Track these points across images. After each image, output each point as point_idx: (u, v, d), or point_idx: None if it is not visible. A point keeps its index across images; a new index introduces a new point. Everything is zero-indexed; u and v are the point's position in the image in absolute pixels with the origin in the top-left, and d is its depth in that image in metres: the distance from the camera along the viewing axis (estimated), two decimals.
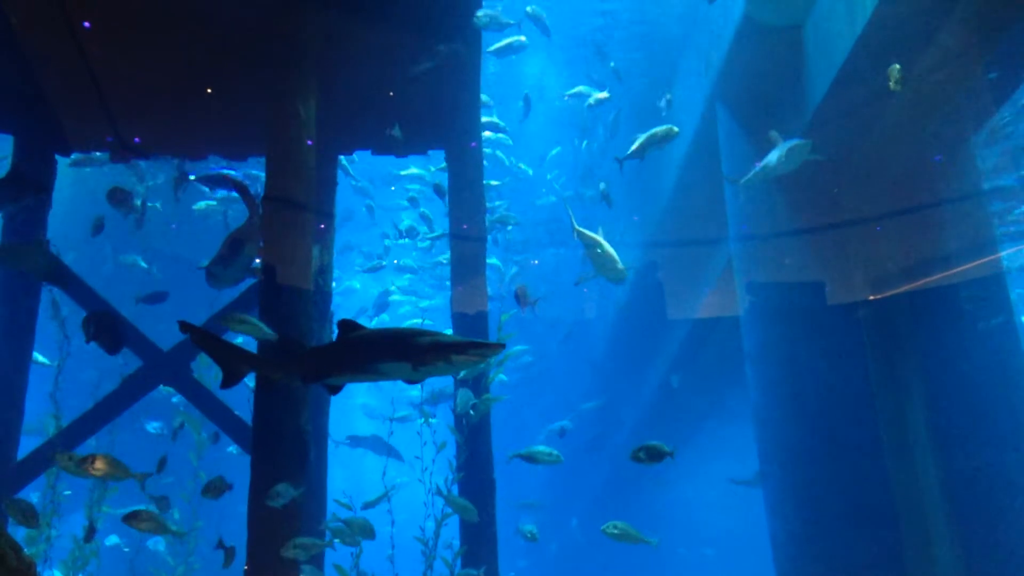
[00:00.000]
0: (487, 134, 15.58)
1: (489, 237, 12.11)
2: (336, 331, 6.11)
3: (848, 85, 10.47)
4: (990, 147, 13.37)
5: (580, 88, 15.90)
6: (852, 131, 11.18)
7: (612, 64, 16.66)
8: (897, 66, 8.87)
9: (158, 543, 16.20)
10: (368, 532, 9.11)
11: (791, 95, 11.55)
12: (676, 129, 10.70)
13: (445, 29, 10.17)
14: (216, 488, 8.89)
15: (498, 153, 17.58)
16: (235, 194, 11.21)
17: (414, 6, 9.91)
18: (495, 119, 16.32)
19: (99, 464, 7.94)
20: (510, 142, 17.25)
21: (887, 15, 9.16)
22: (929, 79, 10.25)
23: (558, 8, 15.37)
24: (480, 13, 10.35)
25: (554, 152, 19.88)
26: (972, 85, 10.71)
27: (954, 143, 11.79)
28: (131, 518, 8.65)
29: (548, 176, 20.44)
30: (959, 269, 11.48)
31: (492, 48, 14.19)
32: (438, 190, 12.30)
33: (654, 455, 8.65)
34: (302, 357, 6.33)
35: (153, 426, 16.76)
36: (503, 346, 5.49)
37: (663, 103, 13.75)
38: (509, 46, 14.52)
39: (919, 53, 9.89)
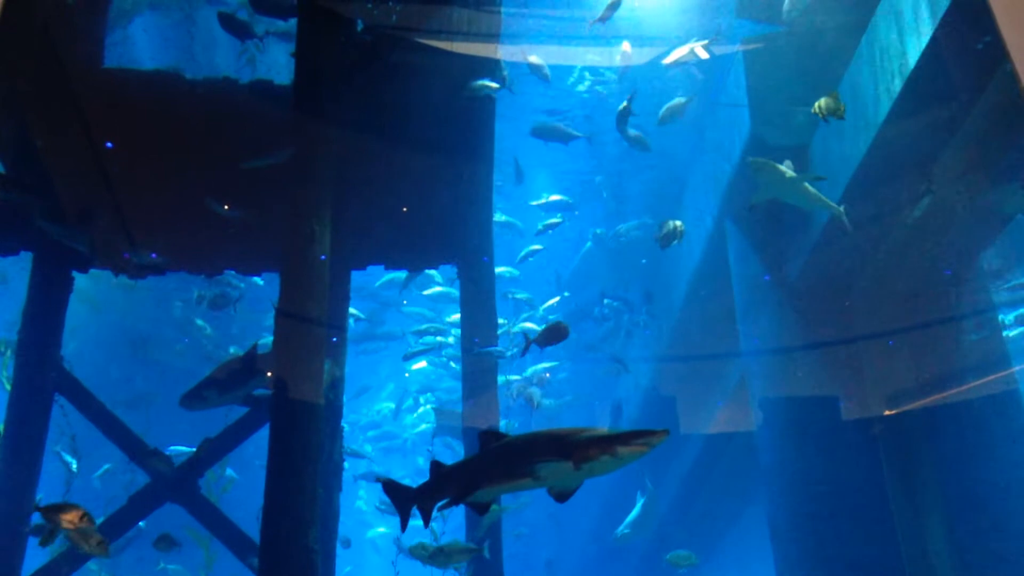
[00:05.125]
0: None
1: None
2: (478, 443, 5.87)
3: (855, 202, 10.59)
4: None
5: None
6: (862, 246, 11.26)
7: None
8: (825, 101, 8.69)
9: None
10: None
11: (800, 211, 11.70)
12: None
13: (458, 148, 10.42)
14: None
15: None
16: None
17: (428, 126, 10.17)
18: None
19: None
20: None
21: (891, 136, 9.35)
22: (936, 195, 10.37)
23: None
24: None
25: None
26: (979, 201, 10.82)
27: (964, 258, 11.85)
28: None
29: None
30: (973, 384, 11.38)
31: None
32: None
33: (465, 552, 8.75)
34: (448, 474, 6.04)
35: None
36: (667, 432, 5.17)
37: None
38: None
39: (925, 170, 10.05)
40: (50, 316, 10.65)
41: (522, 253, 16.44)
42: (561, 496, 5.56)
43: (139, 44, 14.53)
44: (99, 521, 10.22)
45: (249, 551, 9.68)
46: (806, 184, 9.76)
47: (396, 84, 9.91)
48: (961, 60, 8.35)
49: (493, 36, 10.25)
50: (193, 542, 11.56)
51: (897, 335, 11.89)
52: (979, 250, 12.03)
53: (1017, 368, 11.89)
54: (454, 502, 5.91)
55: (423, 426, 22.64)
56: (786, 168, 9.44)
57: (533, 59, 11.56)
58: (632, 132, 12.29)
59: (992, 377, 11.48)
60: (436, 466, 6.11)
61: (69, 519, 7.58)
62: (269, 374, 9.46)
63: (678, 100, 11.87)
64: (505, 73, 10.72)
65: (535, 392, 13.99)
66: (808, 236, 11.69)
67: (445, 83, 10.05)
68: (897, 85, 9.03)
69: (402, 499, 6.22)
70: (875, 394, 11.99)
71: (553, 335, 9.61)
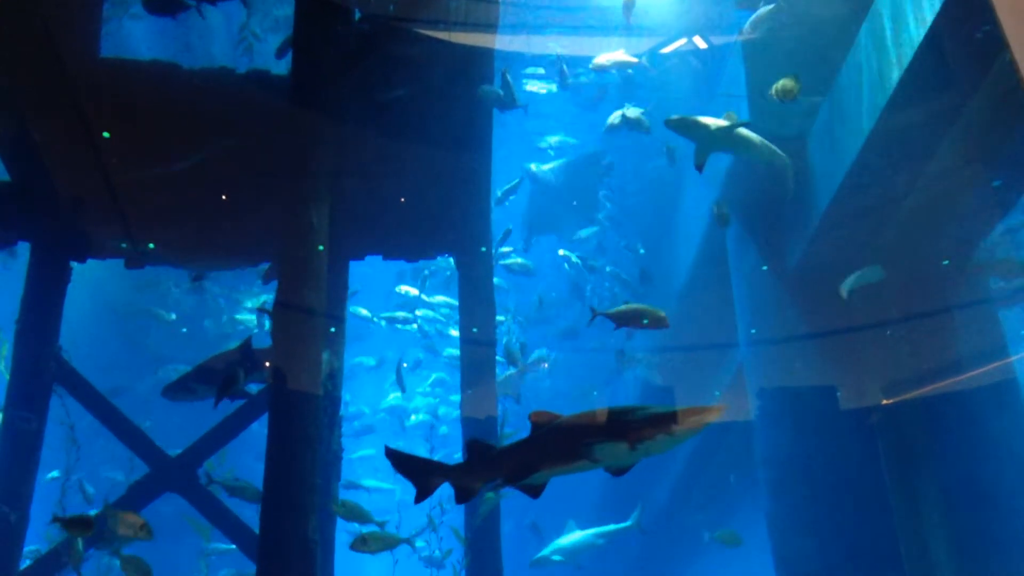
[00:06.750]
0: None
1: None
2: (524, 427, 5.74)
3: (853, 193, 10.61)
4: None
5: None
6: (859, 236, 11.26)
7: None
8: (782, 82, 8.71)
9: None
10: None
11: (797, 201, 11.69)
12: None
13: (457, 138, 10.40)
14: None
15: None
16: None
17: (426, 118, 10.15)
18: None
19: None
20: None
21: (888, 128, 9.35)
22: (935, 186, 10.38)
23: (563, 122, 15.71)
24: None
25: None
26: (977, 192, 10.83)
27: (962, 248, 11.86)
28: None
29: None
30: (971, 374, 11.39)
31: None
32: None
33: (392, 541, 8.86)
34: (499, 457, 5.88)
35: None
36: (723, 408, 5.11)
37: None
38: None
39: (924, 161, 10.05)
40: (48, 306, 10.64)
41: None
42: (618, 472, 5.46)
43: (135, 34, 14.49)
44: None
45: (249, 542, 9.70)
46: (745, 131, 9.46)
47: (393, 74, 9.89)
48: (961, 49, 8.34)
49: (491, 26, 10.23)
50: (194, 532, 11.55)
51: (895, 325, 11.89)
52: (977, 239, 12.04)
53: (1015, 357, 11.90)
54: (510, 483, 5.70)
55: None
56: (710, 120, 8.98)
57: (564, 69, 11.94)
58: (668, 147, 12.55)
59: (990, 366, 11.49)
60: (477, 447, 5.91)
61: (130, 521, 7.62)
62: (268, 365, 9.45)
63: (632, 109, 12.45)
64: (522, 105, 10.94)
65: (515, 352, 13.92)
66: (806, 226, 11.69)
67: (443, 73, 10.04)
68: (896, 74, 9.01)
69: (423, 472, 5.94)
70: (873, 384, 12.00)
71: (634, 318, 8.56)
